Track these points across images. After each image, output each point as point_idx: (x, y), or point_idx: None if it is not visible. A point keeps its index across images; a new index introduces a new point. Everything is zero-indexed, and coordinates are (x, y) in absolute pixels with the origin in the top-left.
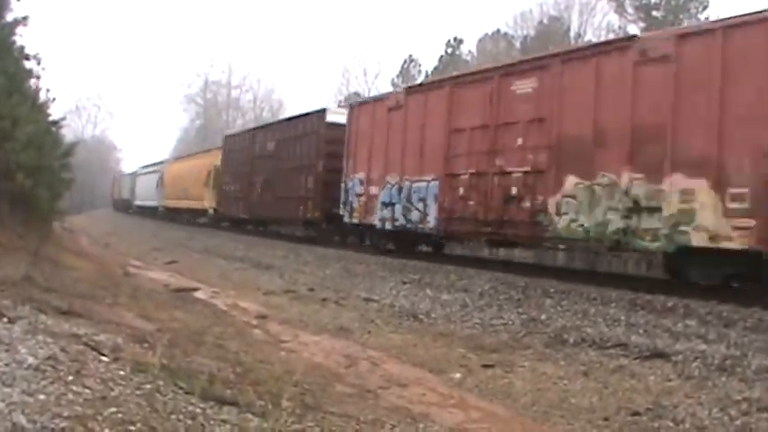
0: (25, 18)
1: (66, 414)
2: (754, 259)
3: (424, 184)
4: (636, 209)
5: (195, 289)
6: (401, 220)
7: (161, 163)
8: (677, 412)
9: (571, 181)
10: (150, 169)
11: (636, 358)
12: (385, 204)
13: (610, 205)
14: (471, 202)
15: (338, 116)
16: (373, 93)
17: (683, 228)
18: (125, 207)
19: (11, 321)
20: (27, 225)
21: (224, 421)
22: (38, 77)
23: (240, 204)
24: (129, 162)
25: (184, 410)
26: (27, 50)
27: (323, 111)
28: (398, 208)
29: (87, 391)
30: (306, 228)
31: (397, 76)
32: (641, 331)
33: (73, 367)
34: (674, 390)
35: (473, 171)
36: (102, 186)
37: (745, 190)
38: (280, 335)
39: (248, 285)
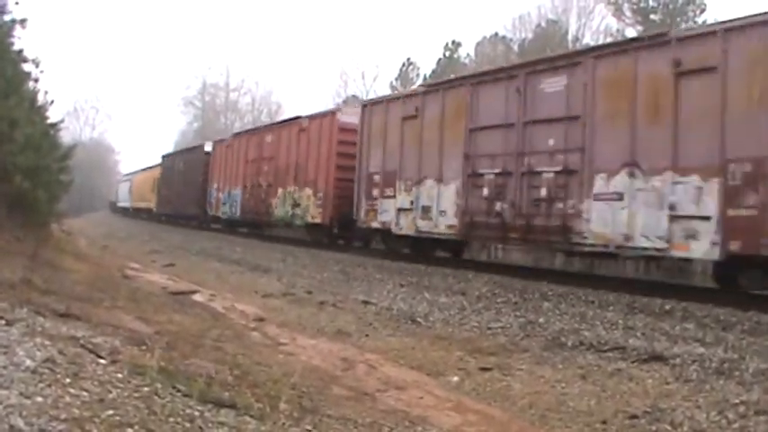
0: (23, 20)
1: (63, 417)
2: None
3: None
4: None
5: (193, 292)
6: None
7: (133, 173)
8: (675, 415)
9: None
10: (126, 178)
11: (634, 361)
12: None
13: None
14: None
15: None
16: (371, 96)
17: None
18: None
19: (8, 324)
20: (25, 227)
21: (222, 424)
22: (36, 80)
23: (168, 205)
24: (128, 165)
25: (182, 413)
26: (25, 53)
27: (201, 146)
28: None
29: (85, 393)
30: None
31: (396, 79)
32: (639, 334)
33: (70, 370)
34: (671, 393)
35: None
36: (100, 189)
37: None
38: (277, 337)
39: (246, 288)
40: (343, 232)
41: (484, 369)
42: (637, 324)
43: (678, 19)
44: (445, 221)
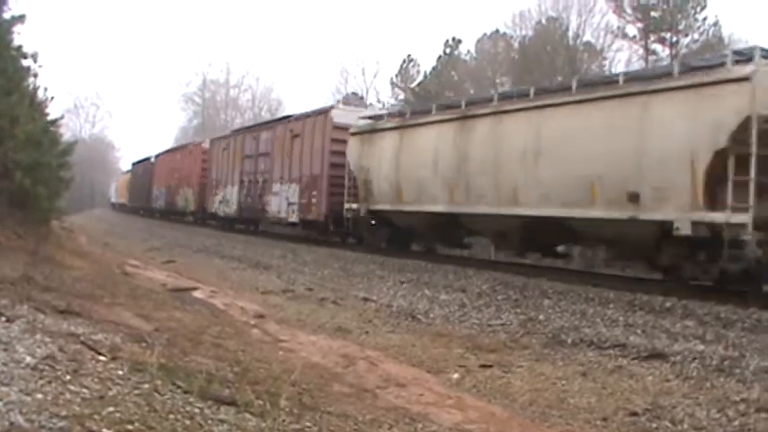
0: (23, 16)
1: (63, 413)
2: None
3: None
4: None
5: (193, 288)
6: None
7: (119, 176)
8: (675, 413)
9: None
10: (115, 179)
11: (634, 359)
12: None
13: None
14: None
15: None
16: (371, 93)
17: None
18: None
19: (9, 320)
20: (26, 224)
21: (222, 421)
22: (35, 75)
23: (135, 201)
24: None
25: (182, 410)
26: (25, 49)
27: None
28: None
29: (85, 390)
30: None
31: (396, 76)
32: (639, 332)
33: (71, 366)
34: (672, 390)
35: None
36: (100, 186)
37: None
38: (278, 334)
39: (246, 285)
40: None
41: (484, 366)
42: (637, 321)
43: (679, 15)
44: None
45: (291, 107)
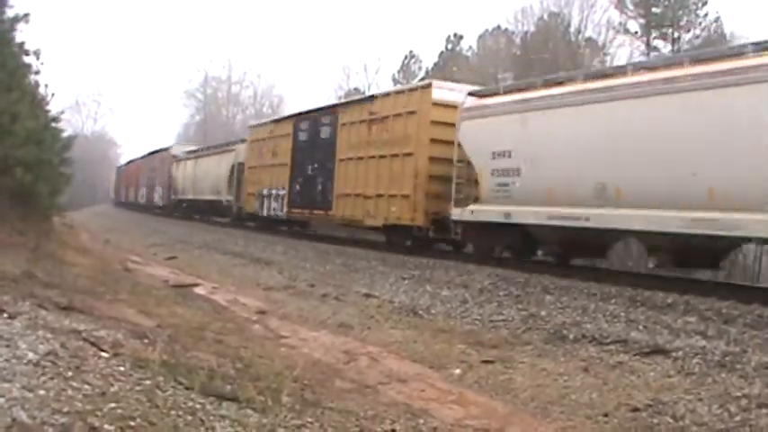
0: (27, 15)
1: (66, 410)
2: None
3: None
4: None
5: (195, 284)
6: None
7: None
8: (677, 408)
9: None
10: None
11: (636, 354)
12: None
13: None
14: None
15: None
16: (373, 89)
17: None
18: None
19: (11, 317)
20: (27, 220)
21: (224, 417)
22: (37, 73)
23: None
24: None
25: (184, 406)
26: (27, 46)
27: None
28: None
29: (87, 386)
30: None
31: (398, 72)
32: (641, 327)
33: (73, 363)
34: (673, 386)
35: None
36: (102, 182)
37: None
38: (279, 330)
39: (248, 281)
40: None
41: (486, 362)
42: (639, 317)
43: (680, 11)
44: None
45: (293, 104)
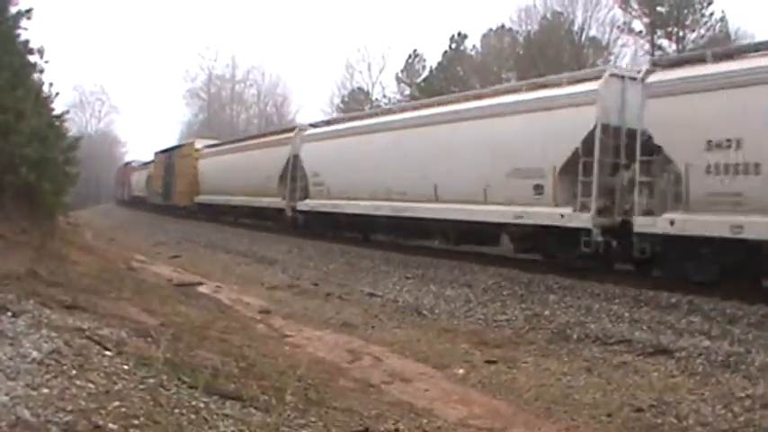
0: (29, 11)
1: (69, 408)
2: None
3: None
4: None
5: (199, 283)
6: None
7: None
8: (681, 408)
9: None
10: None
11: (639, 354)
12: None
13: None
14: None
15: None
16: (377, 88)
17: None
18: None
19: (15, 315)
20: (31, 219)
21: (227, 416)
22: (41, 71)
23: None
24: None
25: (188, 405)
26: (31, 44)
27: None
28: None
29: (91, 385)
30: None
31: (402, 71)
32: (645, 327)
33: (77, 361)
34: (677, 386)
35: None
36: (106, 181)
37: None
38: (283, 329)
39: (252, 280)
40: None
41: (489, 361)
42: (642, 317)
43: (685, 11)
44: None
45: (297, 102)
